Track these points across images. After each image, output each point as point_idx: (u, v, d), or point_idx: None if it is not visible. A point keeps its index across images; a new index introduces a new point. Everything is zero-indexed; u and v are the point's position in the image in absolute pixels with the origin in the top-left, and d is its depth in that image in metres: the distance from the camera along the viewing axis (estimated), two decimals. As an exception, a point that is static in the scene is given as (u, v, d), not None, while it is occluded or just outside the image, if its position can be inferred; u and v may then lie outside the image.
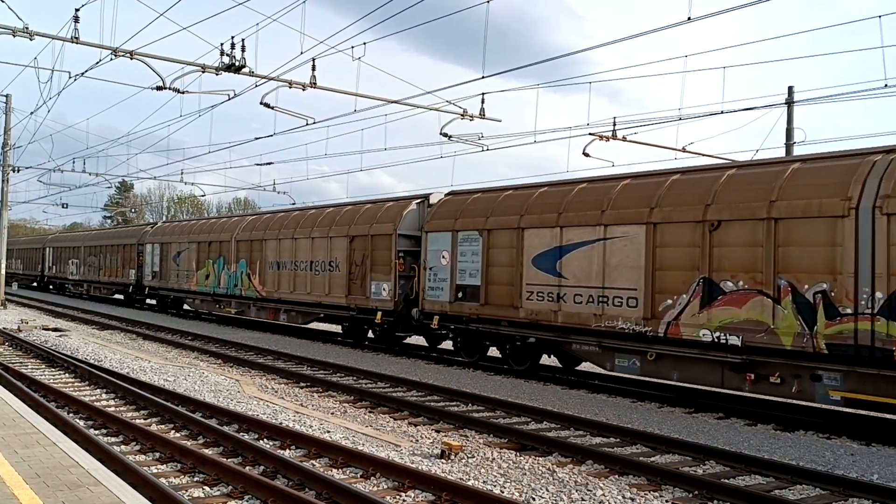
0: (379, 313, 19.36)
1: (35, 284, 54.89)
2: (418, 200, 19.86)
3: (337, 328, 24.66)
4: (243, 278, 25.99)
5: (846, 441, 10.39)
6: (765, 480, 8.24)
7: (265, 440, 9.35)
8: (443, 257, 17.46)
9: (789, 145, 21.16)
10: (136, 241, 35.27)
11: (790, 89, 21.58)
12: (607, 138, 20.37)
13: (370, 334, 21.57)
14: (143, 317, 29.89)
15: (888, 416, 11.18)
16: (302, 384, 14.23)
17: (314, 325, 25.11)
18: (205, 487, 7.37)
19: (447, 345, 20.26)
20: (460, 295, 16.89)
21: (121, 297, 38.78)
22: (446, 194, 19.05)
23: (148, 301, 36.22)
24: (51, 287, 50.59)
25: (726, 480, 8.04)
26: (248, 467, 7.95)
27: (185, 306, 32.38)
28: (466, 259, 16.88)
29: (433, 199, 19.46)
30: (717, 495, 7.44)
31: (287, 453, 8.67)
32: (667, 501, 7.28)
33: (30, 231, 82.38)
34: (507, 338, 16.19)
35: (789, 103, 21.43)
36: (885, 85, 14.95)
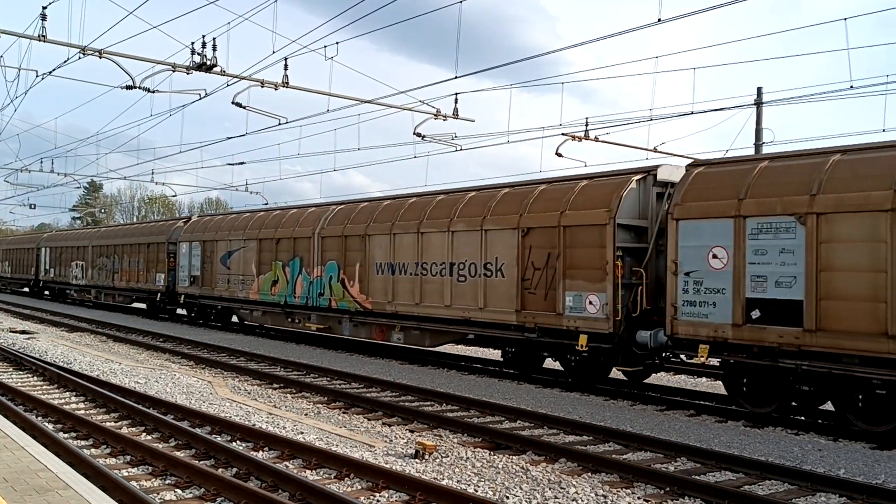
0: (583, 336, 13.54)
1: (27, 290, 48.24)
2: (640, 176, 13.83)
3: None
4: (333, 285, 20.02)
5: (814, 437, 10.56)
6: (735, 476, 8.36)
7: (238, 442, 9.29)
8: (713, 256, 11.74)
9: (758, 145, 21.45)
10: (165, 238, 29.48)
11: (759, 90, 21.87)
12: (580, 138, 20.51)
13: (552, 363, 15.80)
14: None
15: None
16: (275, 385, 14.15)
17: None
18: (177, 490, 7.31)
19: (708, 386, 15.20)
20: (755, 315, 11.23)
21: (141, 305, 32.96)
22: (694, 165, 13.01)
23: (179, 311, 30.26)
24: (46, 293, 44.78)
25: (697, 477, 8.15)
26: (220, 469, 7.90)
27: (237, 319, 26.08)
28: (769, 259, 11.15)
29: (667, 175, 13.77)
30: (687, 491, 7.53)
31: (260, 455, 8.63)
32: (639, 498, 7.35)
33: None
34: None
35: (758, 104, 21.72)
36: (851, 87, 15.23)
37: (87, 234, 40.31)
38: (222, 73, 15.63)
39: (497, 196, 16.10)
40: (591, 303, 13.54)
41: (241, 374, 15.51)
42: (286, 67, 15.94)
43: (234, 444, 9.12)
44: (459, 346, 20.50)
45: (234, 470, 7.94)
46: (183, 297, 27.61)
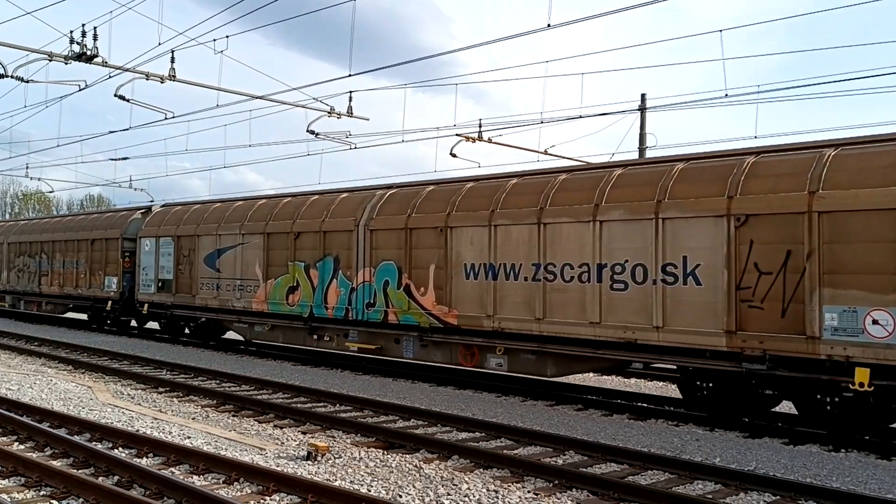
0: (861, 371, 9.55)
1: None
2: None
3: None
4: (391, 293, 15.40)
5: (692, 427, 11.10)
6: (619, 467, 8.68)
7: (121, 449, 8.91)
8: None
9: (642, 149, 22.36)
10: (119, 233, 23.99)
11: (643, 96, 22.82)
12: (473, 139, 20.82)
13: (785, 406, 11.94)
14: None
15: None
16: (161, 389, 13.65)
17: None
18: (52, 501, 6.94)
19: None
20: None
21: (80, 316, 27.71)
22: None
23: (134, 323, 25.46)
24: None
25: (584, 469, 8.41)
26: (101, 478, 7.55)
27: (238, 335, 20.28)
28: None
29: None
30: (575, 484, 7.77)
31: (145, 461, 8.30)
32: (529, 492, 7.52)
33: None
34: None
35: (642, 109, 22.65)
36: (726, 95, 16.09)
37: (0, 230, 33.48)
38: (104, 63, 14.97)
39: (675, 171, 11.84)
40: (876, 322, 9.52)
41: (124, 378, 14.87)
42: (173, 60, 15.46)
43: (116, 451, 8.74)
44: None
45: (116, 478, 7.61)
46: (146, 306, 22.15)
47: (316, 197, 18.34)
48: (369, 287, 15.75)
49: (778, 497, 7.51)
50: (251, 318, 18.80)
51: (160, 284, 21.55)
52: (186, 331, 21.87)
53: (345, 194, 17.70)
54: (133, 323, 25.46)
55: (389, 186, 16.90)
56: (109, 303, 23.90)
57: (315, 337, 17.21)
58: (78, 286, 25.60)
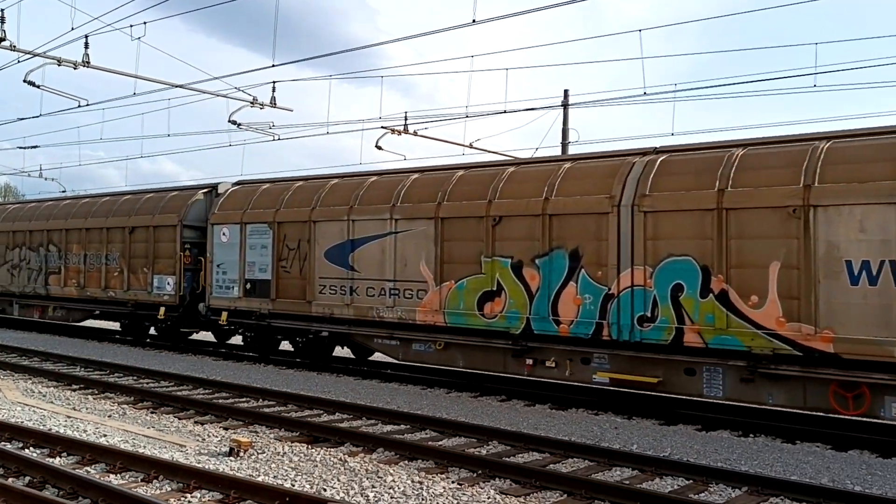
0: None
1: None
2: None
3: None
4: (688, 303, 10.79)
5: (611, 416, 11.42)
6: (541, 456, 8.87)
7: (32, 449, 8.59)
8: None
9: (565, 144, 22.76)
10: (177, 218, 18.57)
11: (566, 92, 23.19)
12: (399, 132, 20.79)
13: None
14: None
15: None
16: (75, 387, 13.20)
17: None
18: (-42, 505, 6.65)
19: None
20: None
21: (108, 324, 23.29)
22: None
23: (218, 338, 20.18)
24: None
25: (507, 459, 8.56)
26: (11, 479, 7.27)
27: (382, 353, 15.12)
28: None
29: None
30: (498, 473, 7.90)
31: (58, 461, 8.03)
32: (453, 482, 7.61)
33: None
34: None
35: (565, 105, 23.04)
36: (644, 93, 16.55)
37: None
38: (12, 48, 14.34)
39: None
40: None
41: (35, 376, 14.31)
42: (87, 46, 14.93)
43: (27, 451, 8.42)
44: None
45: (28, 479, 7.34)
46: (225, 314, 16.98)
47: (521, 168, 13.30)
48: (644, 293, 11.15)
49: (690, 481, 7.82)
50: (411, 332, 13.98)
51: (248, 286, 16.36)
52: (289, 347, 16.95)
53: (574, 163, 12.77)
54: (196, 336, 20.76)
55: (654, 150, 12.02)
56: (163, 310, 18.30)
57: (529, 362, 12.53)
58: (109, 287, 19.97)
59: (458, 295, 13.16)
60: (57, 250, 21.90)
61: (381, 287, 14.27)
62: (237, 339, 18.69)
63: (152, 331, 20.26)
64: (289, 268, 15.76)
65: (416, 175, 14.65)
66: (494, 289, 12.69)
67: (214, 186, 18.86)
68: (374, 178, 15.32)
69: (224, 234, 17.21)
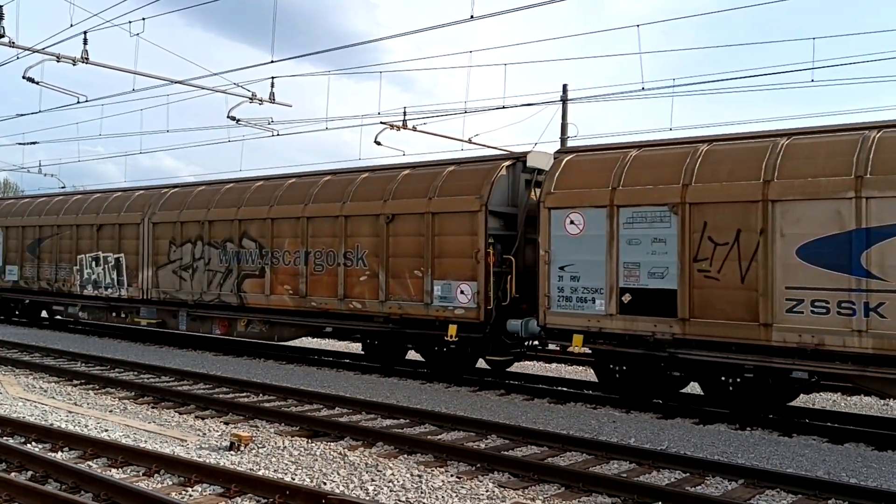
0: None
1: None
2: None
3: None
4: None
5: (610, 410, 11.48)
6: (539, 450, 8.93)
7: (34, 443, 8.65)
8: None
9: (564, 139, 22.80)
10: (479, 202, 13.21)
11: (565, 87, 23.22)
12: (398, 127, 20.82)
13: None
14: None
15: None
16: (76, 382, 13.26)
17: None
18: (-39, 499, 6.71)
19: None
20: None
21: (335, 345, 19.96)
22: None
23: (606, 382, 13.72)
24: None
25: (506, 452, 8.63)
26: (13, 473, 7.33)
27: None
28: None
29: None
30: (497, 466, 7.96)
31: (59, 455, 8.09)
32: (452, 476, 7.67)
33: None
34: None
35: (564, 100, 23.07)
36: (643, 88, 16.59)
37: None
38: (11, 44, 14.37)
39: None
40: None
41: (36, 371, 14.37)
42: (86, 42, 14.93)
43: (28, 445, 8.48)
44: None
45: (30, 473, 7.40)
46: (580, 336, 12.00)
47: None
48: None
49: (687, 474, 7.88)
50: None
51: (626, 298, 11.47)
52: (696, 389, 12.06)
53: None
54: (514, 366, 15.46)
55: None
56: (453, 328, 13.22)
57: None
58: (350, 296, 14.80)
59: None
60: (256, 247, 16.53)
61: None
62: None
63: (413, 354, 15.42)
64: (715, 272, 10.72)
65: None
66: None
67: (520, 157, 13.85)
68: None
69: (573, 222, 12.14)
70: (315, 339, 20.71)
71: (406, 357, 15.51)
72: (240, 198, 17.24)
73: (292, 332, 16.36)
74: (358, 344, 17.52)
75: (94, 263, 20.43)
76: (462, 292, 13.21)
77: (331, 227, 15.20)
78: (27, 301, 23.62)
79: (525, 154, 13.70)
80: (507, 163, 13.57)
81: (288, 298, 15.80)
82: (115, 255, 19.80)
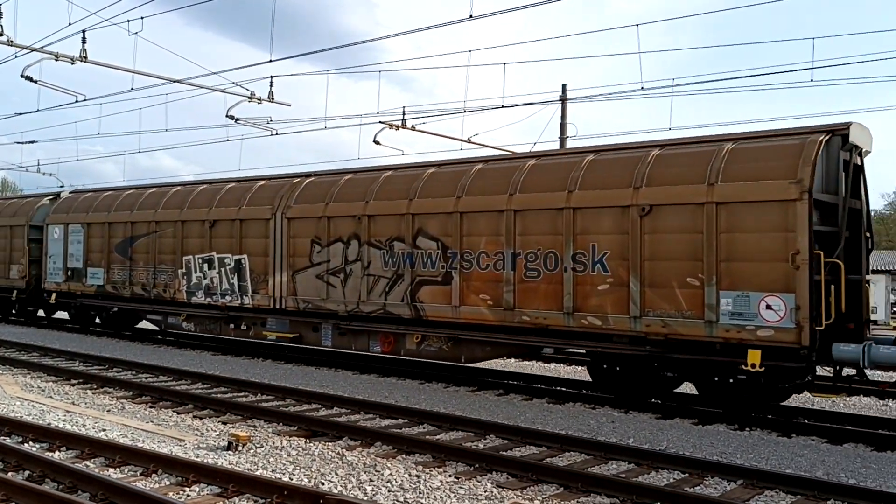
0: None
1: None
2: None
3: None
4: None
5: (608, 410, 11.47)
6: (538, 450, 8.91)
7: (31, 443, 8.63)
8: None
9: (563, 139, 22.78)
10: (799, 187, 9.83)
11: (564, 87, 23.22)
12: (397, 127, 20.81)
13: None
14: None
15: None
16: (73, 381, 13.24)
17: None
18: (-42, 499, 6.69)
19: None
20: None
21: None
22: None
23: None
24: None
25: (504, 452, 8.61)
26: (10, 473, 7.31)
27: None
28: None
29: None
30: (495, 466, 7.95)
31: (57, 455, 8.07)
32: (450, 476, 7.65)
33: None
34: None
35: (563, 100, 23.06)
36: (642, 87, 16.56)
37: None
38: (9, 43, 14.34)
39: None
40: None
41: (34, 371, 14.34)
42: (84, 41, 14.91)
43: (26, 445, 8.46)
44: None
45: (27, 473, 7.38)
46: None
47: None
48: None
49: (686, 474, 7.87)
50: None
51: None
52: None
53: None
54: None
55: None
56: (756, 355, 10.14)
57: None
58: (585, 311, 11.69)
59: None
60: (437, 247, 13.51)
61: None
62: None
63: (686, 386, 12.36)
64: None
65: None
66: None
67: (836, 129, 10.69)
68: None
69: None
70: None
71: (673, 389, 11.95)
72: (409, 188, 14.19)
73: (488, 352, 13.31)
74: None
75: (205, 266, 17.20)
76: (769, 307, 10.10)
77: (550, 223, 12.13)
78: (115, 309, 20.18)
79: (844, 126, 10.64)
80: (823, 137, 10.47)
81: (487, 311, 12.72)
82: (236, 257, 16.63)
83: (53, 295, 21.56)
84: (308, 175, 16.62)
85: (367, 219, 14.42)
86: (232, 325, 16.90)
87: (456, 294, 13.04)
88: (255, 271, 16.25)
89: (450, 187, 13.48)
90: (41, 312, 24.86)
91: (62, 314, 23.83)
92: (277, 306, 15.79)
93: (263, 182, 17.32)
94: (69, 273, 20.98)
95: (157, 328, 19.48)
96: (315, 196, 15.63)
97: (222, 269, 16.91)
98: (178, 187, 19.30)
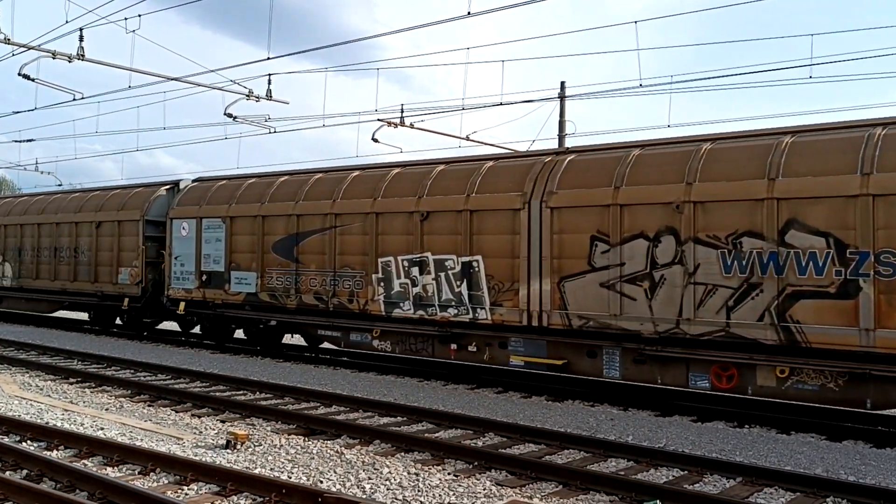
0: None
1: None
2: None
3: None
4: None
5: (607, 407, 11.47)
6: (537, 447, 8.90)
7: (29, 442, 8.61)
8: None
9: (561, 136, 22.76)
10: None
11: (562, 84, 23.18)
12: (395, 125, 20.78)
13: None
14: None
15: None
16: (72, 380, 13.22)
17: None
18: (-45, 498, 6.67)
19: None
20: None
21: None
22: None
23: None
24: None
25: (503, 450, 8.60)
26: (8, 472, 7.30)
27: None
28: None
29: None
30: (494, 464, 7.94)
31: (55, 454, 8.06)
32: (449, 474, 7.64)
33: None
34: None
35: (562, 97, 23.03)
36: (640, 85, 16.55)
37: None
38: (7, 41, 14.30)
39: None
40: None
41: (32, 370, 14.33)
42: (81, 39, 14.88)
43: (23, 444, 8.45)
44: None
45: (25, 472, 7.37)
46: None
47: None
48: None
49: (686, 472, 7.86)
50: None
51: None
52: None
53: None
54: None
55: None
56: None
57: None
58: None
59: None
60: (829, 244, 9.67)
61: None
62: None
63: None
64: None
65: None
66: None
67: None
68: None
69: None
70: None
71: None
72: (766, 163, 10.21)
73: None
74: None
75: (415, 270, 13.65)
76: None
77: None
78: (273, 322, 16.22)
79: None
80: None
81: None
82: (464, 259, 13.03)
83: (182, 304, 17.65)
84: (569, 150, 13.23)
85: (693, 206, 10.62)
86: (454, 346, 13.46)
87: (867, 313, 9.31)
88: (495, 277, 12.67)
89: (837, 163, 9.73)
90: (166, 324, 21.07)
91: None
92: (534, 323, 12.19)
93: (493, 162, 13.59)
94: (204, 278, 17.19)
95: (334, 346, 15.72)
96: (591, 178, 11.82)
97: (441, 275, 13.38)
98: (358, 173, 15.42)
